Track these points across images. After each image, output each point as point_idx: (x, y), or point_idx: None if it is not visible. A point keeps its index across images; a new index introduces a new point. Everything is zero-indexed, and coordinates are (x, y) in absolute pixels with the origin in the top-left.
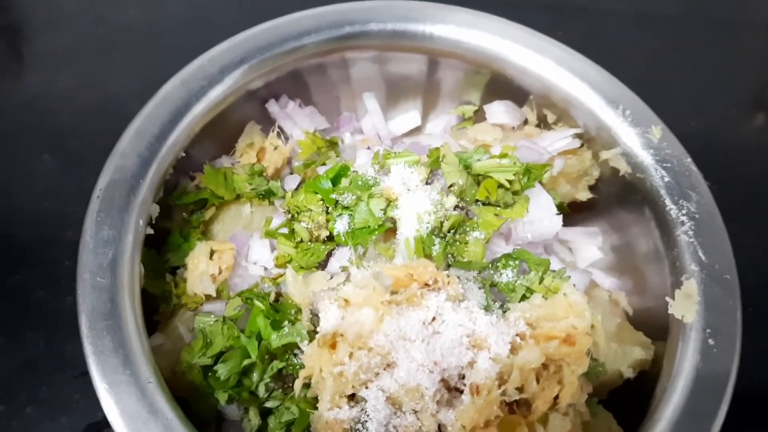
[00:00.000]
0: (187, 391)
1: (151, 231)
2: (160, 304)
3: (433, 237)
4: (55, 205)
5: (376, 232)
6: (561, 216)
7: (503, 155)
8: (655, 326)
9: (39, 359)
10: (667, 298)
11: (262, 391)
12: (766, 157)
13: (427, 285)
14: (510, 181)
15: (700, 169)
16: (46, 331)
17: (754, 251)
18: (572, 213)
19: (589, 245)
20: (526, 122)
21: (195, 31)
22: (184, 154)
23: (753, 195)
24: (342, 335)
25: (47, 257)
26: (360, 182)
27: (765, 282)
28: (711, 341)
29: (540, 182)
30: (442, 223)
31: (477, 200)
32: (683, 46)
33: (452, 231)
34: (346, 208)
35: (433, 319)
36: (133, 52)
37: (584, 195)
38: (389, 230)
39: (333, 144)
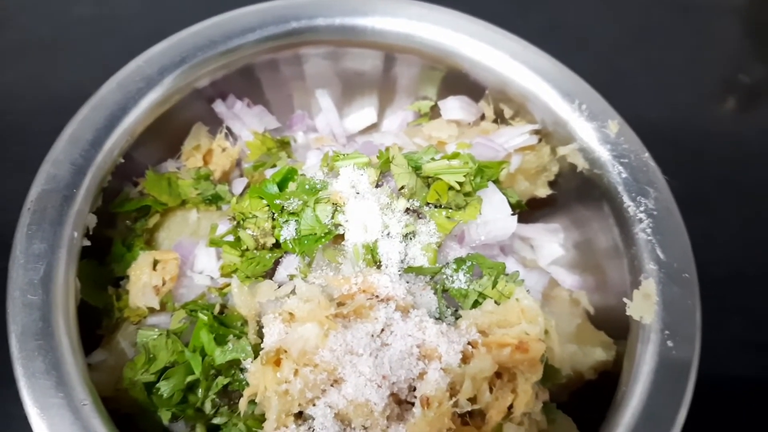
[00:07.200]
0: (131, 408)
1: (87, 243)
2: (102, 318)
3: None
4: None
5: (323, 240)
6: (516, 217)
7: (454, 155)
8: (617, 324)
9: None
10: (625, 300)
11: (208, 408)
12: (736, 142)
13: (375, 296)
14: (461, 183)
15: (669, 157)
16: None
17: (723, 239)
18: (533, 209)
19: (550, 242)
20: (483, 117)
21: (146, 25)
22: (123, 160)
23: (722, 182)
24: (286, 352)
25: None
26: (307, 186)
27: (734, 272)
28: (670, 343)
29: (497, 180)
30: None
31: (428, 203)
32: (648, 32)
33: (404, 237)
34: (293, 213)
35: (382, 330)
36: (82, 48)
37: (543, 191)
38: (338, 235)
39: (284, 144)
